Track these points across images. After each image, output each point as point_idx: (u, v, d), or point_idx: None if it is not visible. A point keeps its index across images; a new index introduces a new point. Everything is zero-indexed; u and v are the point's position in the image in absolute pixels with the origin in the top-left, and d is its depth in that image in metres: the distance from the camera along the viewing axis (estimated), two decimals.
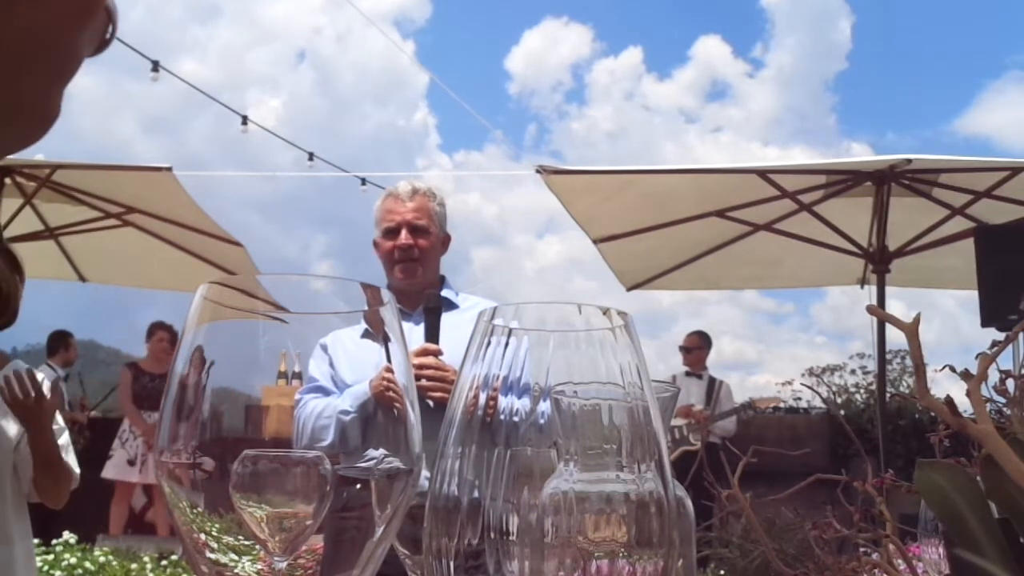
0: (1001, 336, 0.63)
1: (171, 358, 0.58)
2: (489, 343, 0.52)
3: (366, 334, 0.60)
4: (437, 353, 2.20)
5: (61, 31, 0.37)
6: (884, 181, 5.56)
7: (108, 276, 8.07)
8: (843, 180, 5.82)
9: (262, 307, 0.58)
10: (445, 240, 2.59)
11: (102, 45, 0.41)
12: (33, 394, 2.40)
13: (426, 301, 2.31)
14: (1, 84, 0.36)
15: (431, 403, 2.09)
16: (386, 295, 0.61)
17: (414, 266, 2.48)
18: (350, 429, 0.61)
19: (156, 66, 8.07)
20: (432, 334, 2.24)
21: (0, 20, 0.35)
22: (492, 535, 0.49)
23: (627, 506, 0.48)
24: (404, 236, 2.47)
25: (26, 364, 2.56)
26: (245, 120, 9.13)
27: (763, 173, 5.77)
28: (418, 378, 2.09)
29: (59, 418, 2.56)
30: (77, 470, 2.59)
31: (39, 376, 2.46)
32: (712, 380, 7.94)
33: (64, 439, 2.56)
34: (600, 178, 6.01)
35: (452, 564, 0.49)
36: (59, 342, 8.18)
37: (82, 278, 7.65)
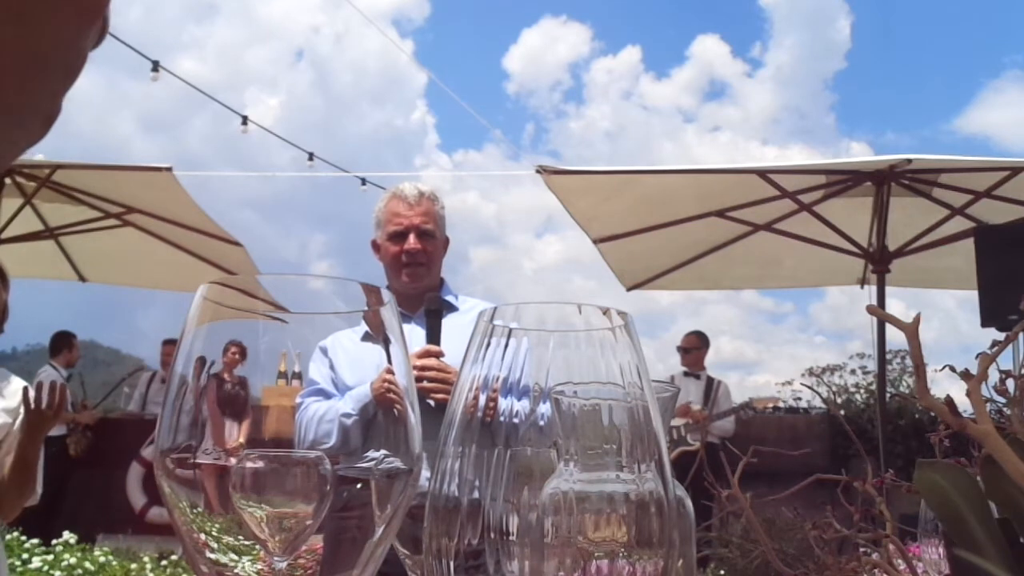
0: (1001, 336, 0.63)
1: (238, 365, 0.58)
2: (489, 344, 0.52)
3: (366, 336, 0.60)
4: (439, 355, 2.20)
5: (72, 34, 0.38)
6: (884, 181, 5.56)
7: (108, 276, 8.08)
8: (843, 180, 5.82)
9: (262, 307, 0.58)
10: (445, 243, 2.60)
11: (98, 42, 0.41)
12: (55, 408, 2.47)
13: (427, 303, 2.31)
14: (18, 89, 0.37)
15: (432, 403, 2.10)
16: (386, 295, 0.61)
17: (422, 271, 2.48)
18: (352, 431, 0.61)
19: (156, 66, 8.06)
20: (433, 336, 2.24)
21: (16, 26, 0.35)
22: (492, 535, 0.49)
23: (627, 506, 0.48)
24: (413, 241, 2.47)
25: (7, 371, 2.58)
26: (245, 120, 9.13)
27: (763, 173, 5.77)
28: (420, 379, 2.09)
29: None
30: (39, 488, 2.58)
31: (66, 390, 2.52)
32: (710, 380, 7.94)
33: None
34: (600, 178, 6.01)
35: (452, 564, 0.49)
36: (62, 342, 8.20)
37: (82, 278, 7.66)
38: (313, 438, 0.59)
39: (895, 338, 6.17)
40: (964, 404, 0.59)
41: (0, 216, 6.16)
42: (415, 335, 2.28)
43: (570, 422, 0.50)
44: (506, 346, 0.51)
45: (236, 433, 0.55)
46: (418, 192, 2.54)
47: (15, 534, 5.45)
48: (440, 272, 2.58)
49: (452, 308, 2.45)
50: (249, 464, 0.55)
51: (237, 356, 0.56)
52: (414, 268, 2.48)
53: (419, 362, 2.14)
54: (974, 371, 0.58)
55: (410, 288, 2.45)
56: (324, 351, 1.88)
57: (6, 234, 6.36)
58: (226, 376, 0.56)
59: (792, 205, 5.86)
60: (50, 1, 0.36)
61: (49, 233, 6.87)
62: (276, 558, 0.55)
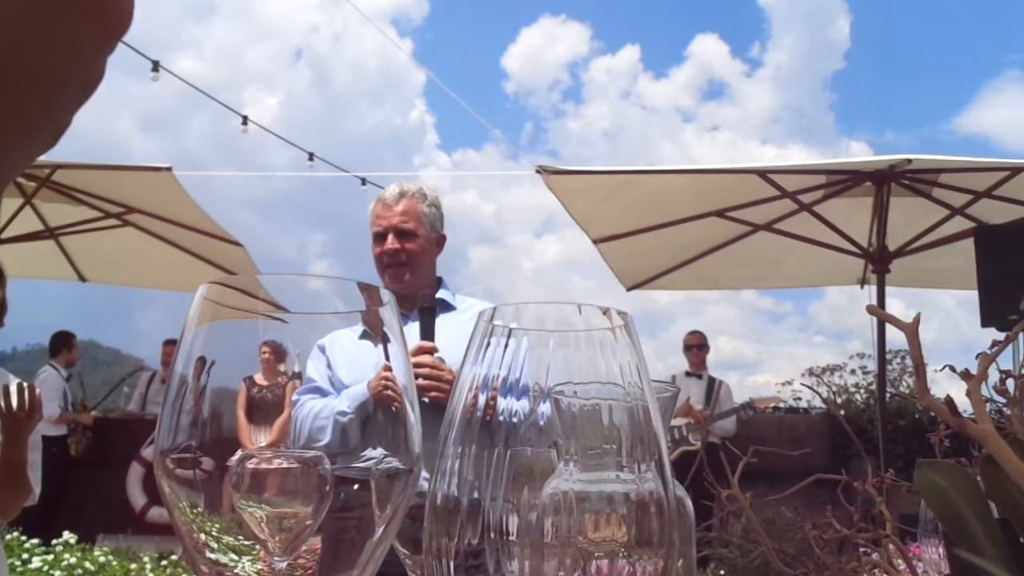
0: (1001, 336, 0.63)
1: (276, 369, 0.58)
2: (489, 344, 0.52)
3: (364, 335, 0.60)
4: (432, 351, 2.19)
5: (93, 52, 0.38)
6: (884, 181, 5.57)
7: (108, 276, 8.08)
8: (843, 180, 5.82)
9: (262, 307, 0.58)
10: (439, 241, 2.56)
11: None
12: (27, 409, 2.44)
13: (421, 301, 2.30)
14: (36, 104, 0.37)
15: (426, 400, 2.09)
16: (386, 295, 0.61)
17: (402, 270, 2.47)
18: (348, 429, 0.61)
19: (156, 66, 8.06)
20: (427, 333, 2.24)
21: (38, 42, 0.35)
22: (492, 535, 0.49)
23: (627, 506, 0.48)
24: (391, 241, 2.46)
25: (6, 371, 2.57)
26: (245, 120, 9.13)
27: (763, 173, 5.77)
28: (415, 377, 2.08)
29: (36, 435, 2.56)
30: (37, 489, 2.56)
31: (37, 392, 2.49)
32: (712, 380, 7.94)
33: (35, 457, 2.56)
34: (600, 178, 6.01)
35: (452, 564, 0.49)
36: (63, 342, 8.21)
37: (82, 278, 7.66)
38: (308, 435, 0.59)
39: (895, 338, 6.17)
40: (964, 404, 0.59)
41: (0, 216, 6.16)
42: (408, 335, 2.27)
43: (570, 422, 0.50)
44: (506, 346, 0.51)
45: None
46: (398, 192, 2.52)
47: (15, 534, 5.45)
48: (435, 270, 2.55)
49: (449, 307, 2.44)
50: (249, 464, 0.55)
51: (269, 356, 0.56)
52: (394, 268, 2.47)
53: (412, 360, 2.13)
54: (974, 371, 0.58)
55: (392, 288, 2.44)
56: (322, 349, 1.87)
57: (6, 234, 6.36)
58: (258, 380, 0.56)
59: (792, 205, 5.86)
60: (73, 19, 0.36)
61: (49, 233, 6.87)
62: (276, 558, 0.55)
